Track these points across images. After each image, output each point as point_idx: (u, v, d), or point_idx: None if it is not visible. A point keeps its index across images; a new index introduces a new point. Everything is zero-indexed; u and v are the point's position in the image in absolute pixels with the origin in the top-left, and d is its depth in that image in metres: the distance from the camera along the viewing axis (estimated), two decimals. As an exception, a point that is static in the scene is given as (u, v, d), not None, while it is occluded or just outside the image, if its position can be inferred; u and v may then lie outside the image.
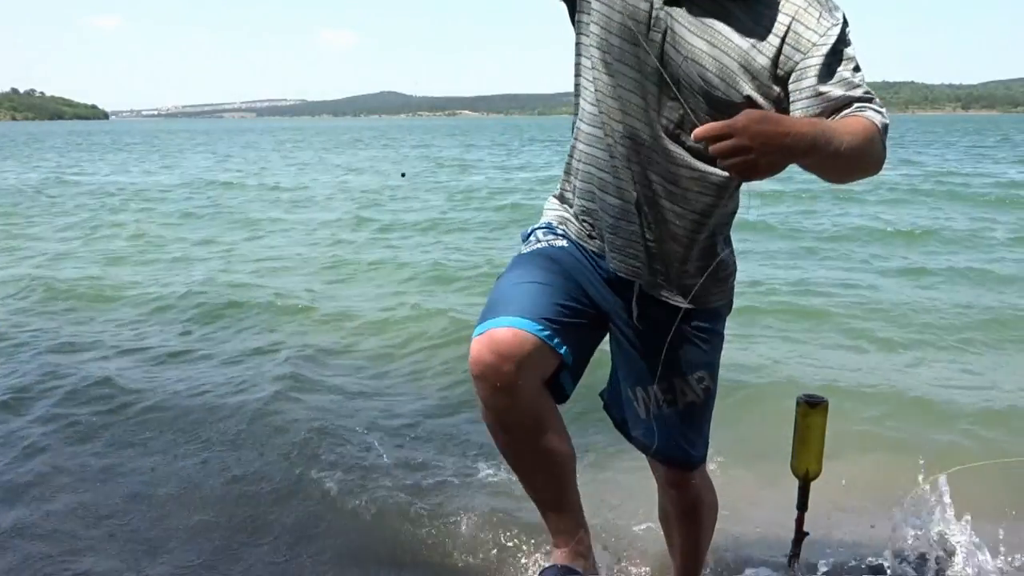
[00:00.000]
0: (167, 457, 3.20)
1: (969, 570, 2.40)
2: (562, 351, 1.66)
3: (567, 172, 1.82)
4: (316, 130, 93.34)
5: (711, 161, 1.55)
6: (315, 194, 15.84)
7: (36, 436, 3.37)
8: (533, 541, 2.52)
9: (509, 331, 1.60)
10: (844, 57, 1.52)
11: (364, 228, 10.81)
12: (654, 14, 1.56)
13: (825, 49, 1.51)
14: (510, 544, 2.54)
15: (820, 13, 1.53)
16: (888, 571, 2.40)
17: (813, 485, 2.00)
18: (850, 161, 1.43)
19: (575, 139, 1.77)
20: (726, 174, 1.60)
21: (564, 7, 1.74)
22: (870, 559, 2.46)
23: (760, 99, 1.54)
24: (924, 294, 6.17)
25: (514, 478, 2.83)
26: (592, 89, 1.68)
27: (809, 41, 1.52)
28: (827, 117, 1.49)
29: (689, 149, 1.61)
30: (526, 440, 1.71)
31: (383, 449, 3.26)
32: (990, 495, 2.75)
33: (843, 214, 11.55)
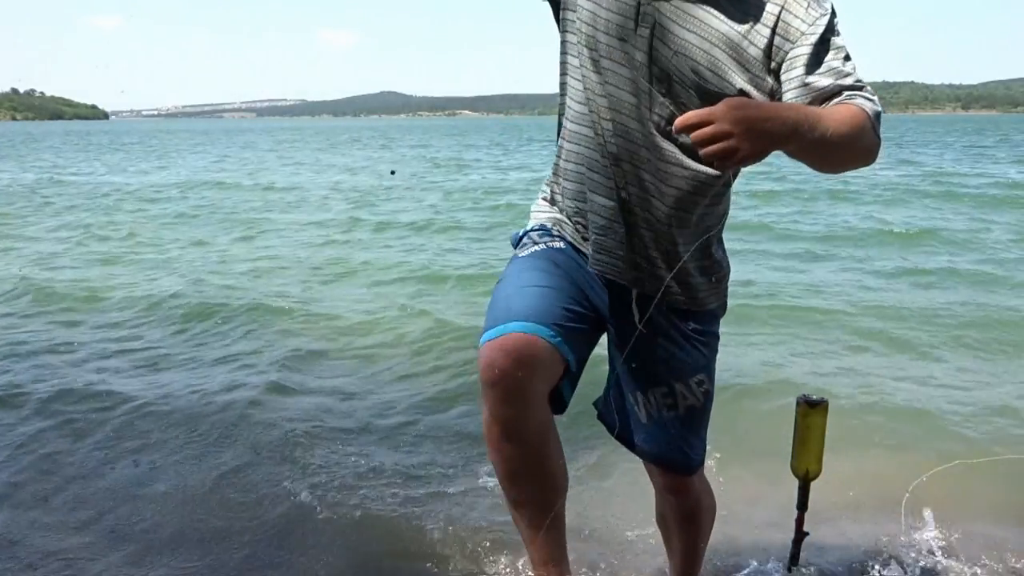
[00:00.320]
0: (150, 459, 3.17)
1: (969, 569, 2.40)
2: (569, 358, 1.64)
3: (555, 173, 1.79)
4: (315, 130, 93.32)
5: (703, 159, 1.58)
6: (309, 194, 15.80)
7: (21, 438, 3.34)
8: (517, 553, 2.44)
9: (523, 336, 1.57)
10: (833, 46, 1.51)
11: (357, 228, 10.76)
12: (641, 9, 1.54)
13: (814, 38, 1.50)
14: (496, 553, 2.48)
15: (808, 3, 1.52)
16: (888, 570, 2.39)
17: (813, 485, 2.00)
18: (837, 148, 1.41)
19: (563, 139, 1.74)
20: (717, 172, 1.61)
21: (548, 6, 1.71)
22: (870, 559, 2.45)
23: (754, 91, 1.53)
24: (922, 294, 6.16)
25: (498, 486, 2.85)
26: (581, 88, 1.65)
27: (798, 30, 1.51)
28: (817, 106, 1.46)
29: (681, 147, 1.59)
30: (528, 455, 1.66)
31: (369, 453, 3.22)
32: (989, 493, 2.75)
33: (841, 214, 11.56)
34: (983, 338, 4.83)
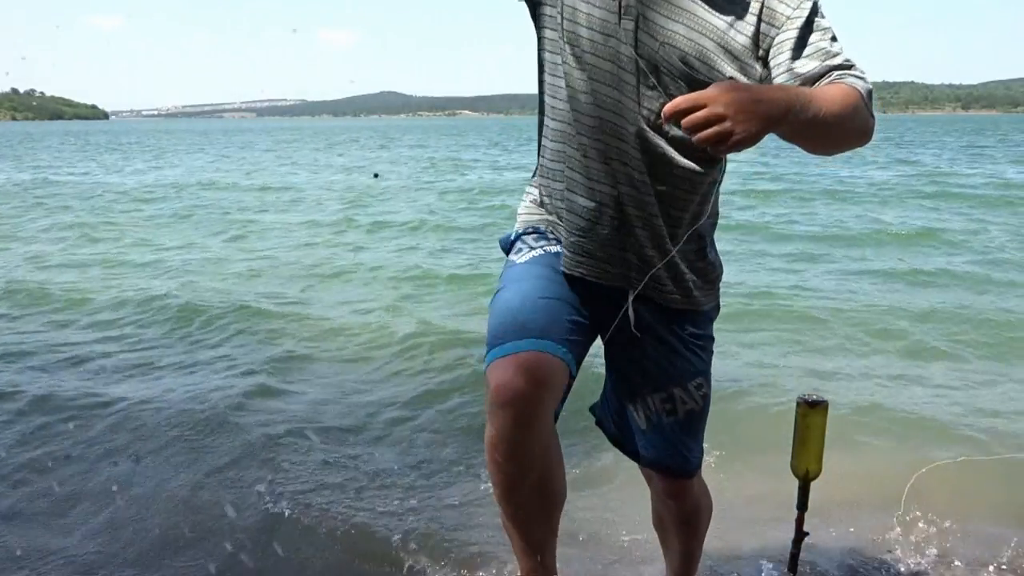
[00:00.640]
0: (132, 461, 3.15)
1: (968, 568, 2.40)
2: (574, 372, 1.62)
3: (541, 175, 1.74)
4: (314, 130, 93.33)
5: (694, 154, 1.56)
6: (304, 195, 15.76)
7: (3, 440, 3.32)
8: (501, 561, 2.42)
9: (539, 355, 1.53)
10: (818, 28, 1.50)
11: (350, 229, 10.71)
12: (623, 1, 1.51)
13: (799, 22, 1.49)
14: (483, 561, 2.44)
15: None
16: (888, 570, 2.40)
17: (813, 485, 2.00)
18: (831, 128, 1.39)
19: (546, 139, 1.69)
20: (707, 169, 1.59)
21: (523, 4, 1.66)
22: (870, 558, 2.46)
23: (743, 79, 1.51)
24: (919, 295, 6.16)
25: (483, 490, 2.77)
26: (563, 85, 1.60)
27: (783, 15, 1.50)
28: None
29: (671, 141, 1.56)
30: (532, 473, 1.63)
31: (355, 457, 3.19)
32: (987, 493, 2.76)
33: (838, 215, 11.55)
34: (980, 339, 4.83)
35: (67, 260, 8.31)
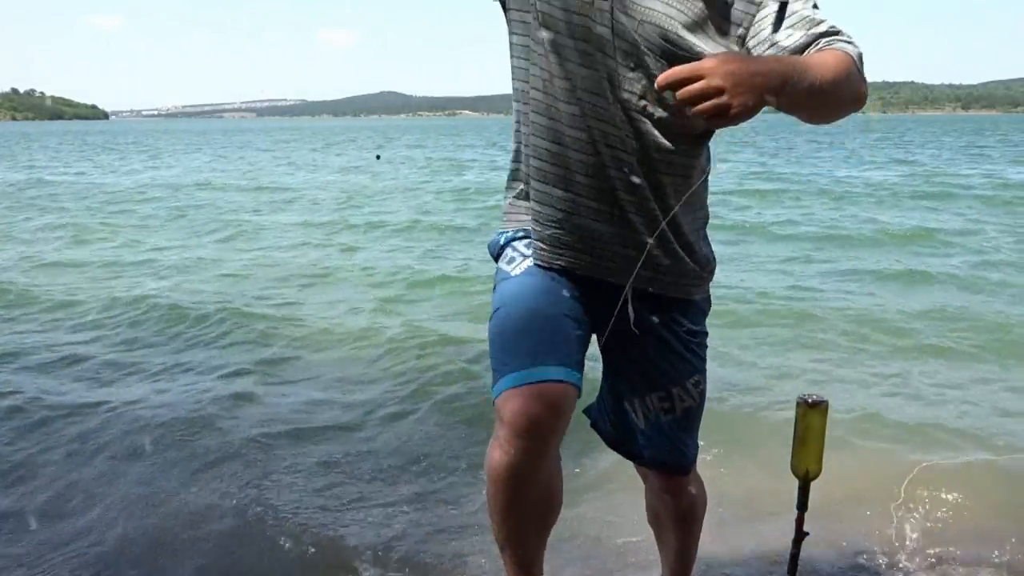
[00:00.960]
0: (110, 464, 3.11)
1: (968, 567, 2.40)
2: (581, 391, 1.59)
3: (523, 169, 1.66)
4: (313, 130, 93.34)
5: (681, 135, 1.53)
6: (298, 195, 15.70)
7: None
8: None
9: (558, 385, 1.51)
10: None
11: (343, 230, 10.64)
12: None
13: None
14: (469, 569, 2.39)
15: None
16: (888, 570, 2.40)
17: (813, 485, 1.99)
18: (828, 96, 1.36)
19: (527, 134, 1.60)
20: (695, 150, 1.56)
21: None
22: (870, 558, 2.45)
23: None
24: (916, 296, 6.14)
25: (473, 495, 2.75)
26: (537, 71, 1.53)
27: None
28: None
29: (658, 123, 1.51)
30: (535, 495, 1.62)
31: (336, 463, 3.13)
32: (986, 492, 2.75)
33: (836, 215, 11.54)
34: (978, 339, 4.82)
35: (59, 260, 8.27)
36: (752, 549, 2.47)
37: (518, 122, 1.65)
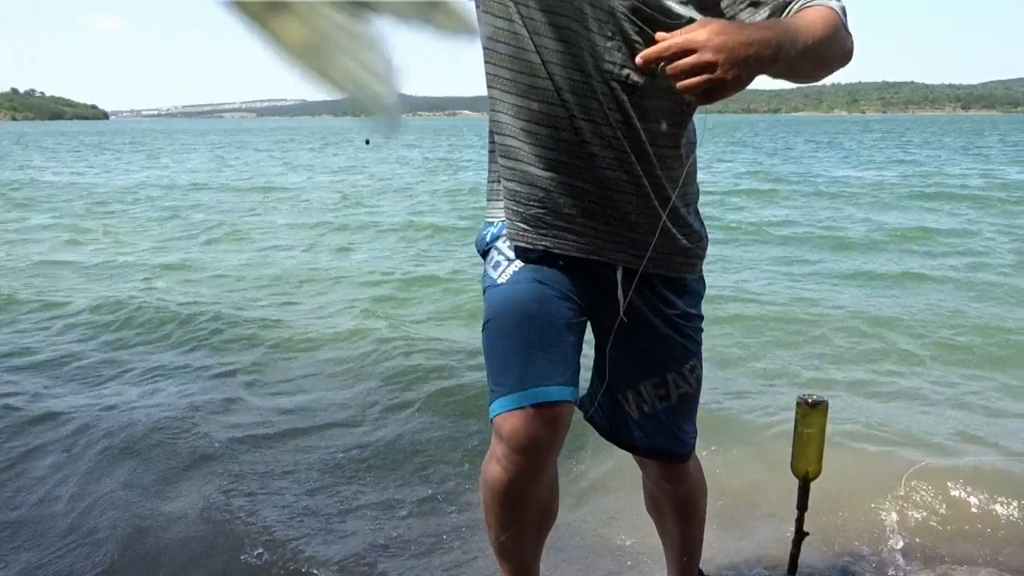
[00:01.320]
0: (86, 468, 3.06)
1: (968, 567, 2.40)
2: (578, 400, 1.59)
3: (503, 155, 1.57)
4: (311, 130, 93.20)
5: (666, 105, 1.49)
6: (291, 196, 15.60)
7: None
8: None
9: (561, 406, 1.49)
10: None
11: (333, 231, 10.56)
12: None
13: None
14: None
15: None
16: (888, 570, 2.40)
17: (813, 485, 2.00)
18: (818, 57, 1.33)
19: (505, 115, 1.53)
20: (681, 122, 1.52)
21: None
22: (870, 558, 2.46)
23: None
24: (914, 296, 6.13)
25: (462, 510, 2.65)
26: (506, 48, 1.46)
27: None
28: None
29: (643, 94, 1.45)
30: (533, 508, 1.60)
31: (316, 472, 3.06)
32: (986, 492, 2.75)
33: (834, 215, 11.51)
34: (976, 340, 4.81)
35: (45, 261, 8.20)
36: (752, 549, 2.47)
37: (494, 110, 1.58)
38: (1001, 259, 7.86)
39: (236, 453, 3.20)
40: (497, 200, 1.64)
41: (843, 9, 1.39)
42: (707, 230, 1.70)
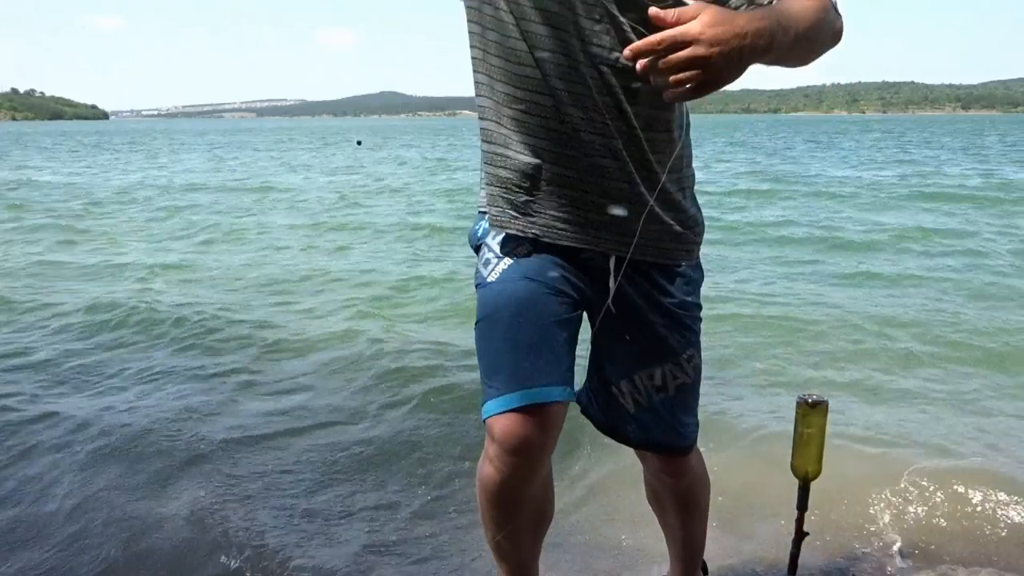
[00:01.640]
0: (73, 473, 3.02)
1: (968, 568, 2.39)
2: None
3: (491, 141, 1.55)
4: (310, 130, 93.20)
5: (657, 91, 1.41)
6: (288, 196, 15.56)
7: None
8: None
9: (555, 406, 1.48)
10: None
11: (328, 231, 10.53)
12: None
13: None
14: None
15: None
16: (888, 570, 2.39)
17: (813, 485, 1.99)
18: (810, 42, 1.31)
19: (496, 103, 1.50)
20: (671, 105, 1.48)
21: None
22: (870, 558, 2.45)
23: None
24: (913, 297, 6.12)
25: (458, 510, 2.63)
26: (493, 35, 1.43)
27: None
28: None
29: (632, 76, 1.35)
30: (528, 507, 1.60)
31: (311, 472, 3.03)
32: (985, 493, 2.75)
33: (833, 216, 11.49)
34: (975, 340, 4.81)
35: (41, 261, 8.17)
36: (752, 549, 2.46)
37: (479, 95, 1.54)
38: (1000, 259, 7.86)
39: (232, 453, 3.19)
40: (489, 185, 1.62)
41: None
42: (703, 215, 1.67)
